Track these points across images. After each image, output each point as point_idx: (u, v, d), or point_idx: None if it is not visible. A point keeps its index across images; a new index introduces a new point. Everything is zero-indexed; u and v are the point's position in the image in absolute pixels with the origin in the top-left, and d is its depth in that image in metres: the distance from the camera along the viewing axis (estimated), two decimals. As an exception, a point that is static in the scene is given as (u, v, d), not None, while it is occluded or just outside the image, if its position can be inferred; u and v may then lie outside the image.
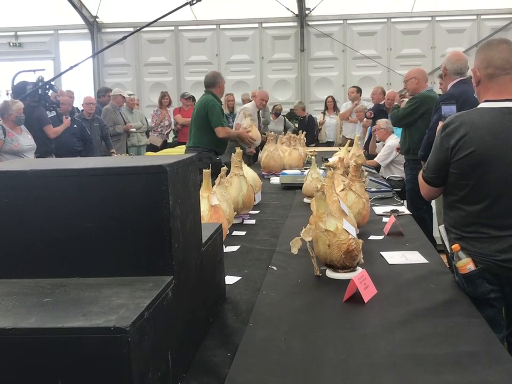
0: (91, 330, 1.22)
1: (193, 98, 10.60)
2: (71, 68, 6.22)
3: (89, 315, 1.28)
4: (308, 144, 9.06)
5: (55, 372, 1.24)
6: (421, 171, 2.68)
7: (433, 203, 5.57)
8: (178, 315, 1.58)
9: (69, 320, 1.26)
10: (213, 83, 6.35)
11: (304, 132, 7.32)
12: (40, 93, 7.34)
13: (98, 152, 8.32)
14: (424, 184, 2.65)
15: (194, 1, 6.14)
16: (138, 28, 7.22)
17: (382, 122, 7.62)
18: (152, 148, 9.91)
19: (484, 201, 2.38)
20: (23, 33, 13.56)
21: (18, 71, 8.23)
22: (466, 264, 2.38)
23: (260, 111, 8.44)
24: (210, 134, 6.21)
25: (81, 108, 9.06)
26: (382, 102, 8.82)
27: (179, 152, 7.96)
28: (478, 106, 2.49)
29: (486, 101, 2.46)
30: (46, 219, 1.54)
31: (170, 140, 11.21)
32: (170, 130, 10.61)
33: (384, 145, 7.36)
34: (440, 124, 2.65)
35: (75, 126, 7.76)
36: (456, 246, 2.43)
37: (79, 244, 1.54)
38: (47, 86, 7.41)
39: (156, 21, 6.83)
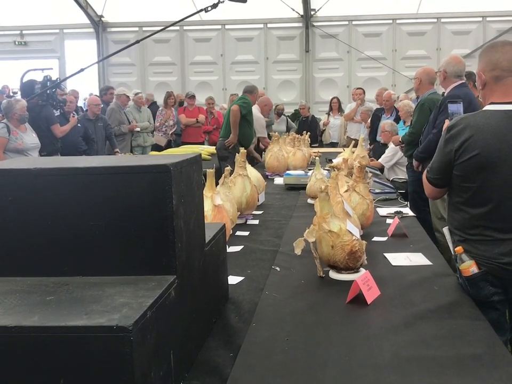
0: (94, 329, 1.22)
1: (194, 96, 10.60)
2: (81, 70, 6.20)
3: (92, 314, 1.28)
4: (310, 145, 9.11)
5: (57, 370, 1.24)
6: (425, 171, 2.68)
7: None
8: (181, 315, 1.58)
9: (71, 319, 1.26)
10: (251, 91, 7.34)
11: (309, 133, 7.33)
12: (48, 92, 7.38)
13: (103, 151, 8.32)
14: (427, 184, 2.65)
15: (209, 8, 6.13)
16: (149, 34, 7.21)
17: (387, 124, 7.62)
18: (157, 147, 9.91)
19: (488, 204, 2.37)
20: (28, 32, 13.60)
21: (27, 69, 8.23)
22: (469, 267, 2.37)
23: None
24: (239, 128, 6.99)
25: (85, 108, 9.05)
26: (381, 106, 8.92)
27: (183, 152, 7.97)
28: (484, 109, 2.47)
29: (491, 103, 2.45)
30: (50, 217, 1.54)
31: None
32: (174, 130, 10.60)
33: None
34: (446, 122, 2.63)
35: (79, 125, 7.77)
36: (459, 249, 2.42)
37: (82, 242, 1.54)
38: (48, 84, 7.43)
39: (167, 27, 6.86)
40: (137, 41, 6.58)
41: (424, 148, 4.93)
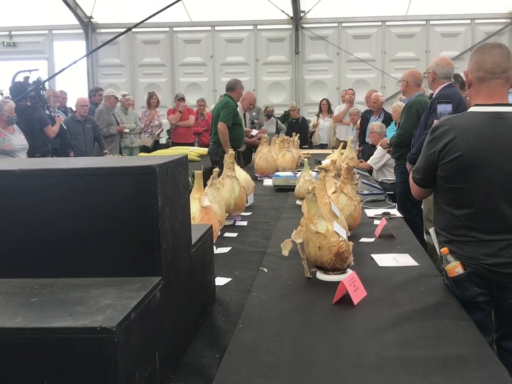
0: (77, 330, 1.22)
1: (184, 99, 10.57)
2: (70, 65, 6.18)
3: (76, 315, 1.27)
4: (300, 146, 9.14)
5: (41, 372, 1.23)
6: (412, 171, 2.70)
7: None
8: (167, 316, 1.58)
9: (55, 320, 1.25)
10: (232, 88, 7.23)
11: (298, 134, 7.35)
12: (42, 94, 7.45)
13: (91, 153, 8.31)
14: (413, 184, 2.67)
15: None
16: (134, 24, 6.97)
17: (376, 126, 7.66)
18: (145, 149, 9.89)
19: (471, 205, 2.39)
20: (17, 33, 13.51)
21: (17, 71, 8.23)
22: (455, 268, 2.39)
23: (246, 113, 8.46)
24: (230, 132, 6.92)
25: (74, 109, 9.03)
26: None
27: (172, 153, 7.95)
28: (468, 110, 2.50)
29: (476, 105, 2.47)
30: (35, 219, 1.54)
31: (164, 141, 11.18)
32: (160, 131, 10.56)
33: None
34: (435, 122, 2.65)
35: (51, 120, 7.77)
36: (445, 250, 2.44)
37: (67, 244, 1.53)
38: (40, 87, 7.45)
39: (149, 17, 6.74)
40: (129, 29, 6.53)
41: (417, 149, 4.93)
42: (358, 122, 9.30)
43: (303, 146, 9.83)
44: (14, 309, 1.33)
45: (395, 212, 3.95)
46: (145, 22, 11.98)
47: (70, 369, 1.23)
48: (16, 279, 1.54)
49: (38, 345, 1.22)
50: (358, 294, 2.22)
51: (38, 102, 7.43)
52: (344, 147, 5.84)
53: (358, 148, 8.80)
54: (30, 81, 7.60)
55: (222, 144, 6.90)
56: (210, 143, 7.36)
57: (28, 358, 1.23)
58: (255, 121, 9.91)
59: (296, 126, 10.71)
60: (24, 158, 6.46)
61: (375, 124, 7.83)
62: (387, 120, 8.17)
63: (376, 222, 3.57)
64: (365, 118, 9.00)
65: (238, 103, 7.62)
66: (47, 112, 7.69)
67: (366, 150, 8.21)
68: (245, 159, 8.54)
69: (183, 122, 10.18)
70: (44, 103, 7.68)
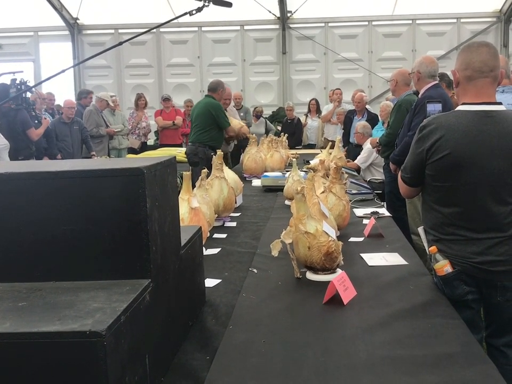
0: (67, 334, 1.20)
1: (169, 99, 10.53)
2: (58, 73, 6.11)
3: (65, 319, 1.26)
4: (294, 147, 9.14)
5: (29, 377, 1.22)
6: (400, 170, 2.71)
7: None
8: (156, 319, 1.57)
9: (44, 325, 1.24)
10: (214, 89, 6.95)
11: (286, 134, 7.35)
12: (24, 95, 7.38)
13: (79, 155, 8.27)
14: (402, 183, 2.68)
15: (194, 12, 6.02)
16: (132, 37, 6.81)
17: (360, 126, 7.68)
18: (132, 150, 9.86)
19: (459, 203, 2.40)
20: (2, 35, 13.40)
21: (0, 73, 8.18)
22: (443, 266, 2.40)
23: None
24: (208, 132, 6.68)
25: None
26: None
27: (160, 154, 7.92)
28: (456, 109, 2.51)
29: (463, 103, 2.48)
30: (22, 222, 1.52)
31: (151, 142, 11.14)
32: (148, 132, 10.51)
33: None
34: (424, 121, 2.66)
35: (36, 121, 7.69)
36: (433, 248, 2.45)
37: (55, 247, 1.52)
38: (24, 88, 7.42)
39: (151, 29, 6.66)
40: (120, 43, 6.46)
41: (401, 151, 4.94)
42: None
43: (297, 147, 9.84)
44: (2, 314, 1.32)
45: (384, 211, 3.96)
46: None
47: (59, 373, 1.22)
48: (3, 284, 1.53)
49: (27, 350, 1.21)
50: (348, 293, 2.22)
51: (21, 104, 7.38)
52: (332, 147, 5.86)
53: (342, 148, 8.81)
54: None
55: (234, 137, 6.88)
56: (189, 144, 7.06)
57: (17, 363, 1.22)
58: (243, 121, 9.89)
59: (291, 127, 10.70)
60: (6, 157, 6.43)
61: (359, 123, 7.86)
62: (370, 120, 8.21)
63: (365, 221, 3.58)
64: (348, 118, 9.02)
65: None
66: (32, 114, 7.64)
67: (350, 150, 8.22)
68: (233, 160, 8.53)
69: (167, 122, 10.16)
70: (28, 105, 7.63)
